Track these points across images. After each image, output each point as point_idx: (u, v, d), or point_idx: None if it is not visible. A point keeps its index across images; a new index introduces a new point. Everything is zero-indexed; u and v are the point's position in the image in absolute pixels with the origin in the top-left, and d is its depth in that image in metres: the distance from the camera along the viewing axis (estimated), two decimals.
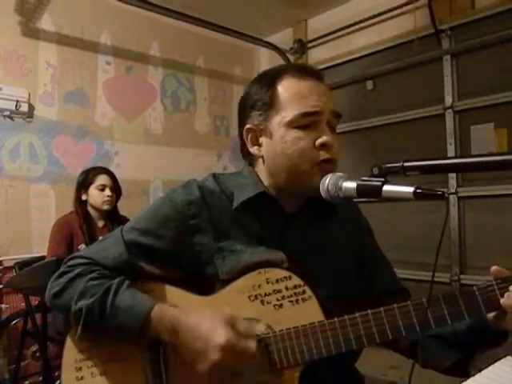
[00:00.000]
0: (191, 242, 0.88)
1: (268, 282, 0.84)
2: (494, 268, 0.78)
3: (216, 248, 0.88)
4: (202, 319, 0.76)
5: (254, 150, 0.94)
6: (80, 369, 0.84)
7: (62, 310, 0.87)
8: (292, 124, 0.86)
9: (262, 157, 0.93)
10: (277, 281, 0.84)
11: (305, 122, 0.86)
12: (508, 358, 0.90)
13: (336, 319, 0.80)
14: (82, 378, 0.84)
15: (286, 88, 0.89)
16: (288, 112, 0.87)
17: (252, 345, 0.74)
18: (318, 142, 0.86)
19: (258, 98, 0.91)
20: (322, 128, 0.87)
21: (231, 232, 0.89)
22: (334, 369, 0.85)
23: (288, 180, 0.89)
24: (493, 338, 0.82)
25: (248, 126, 0.93)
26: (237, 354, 0.72)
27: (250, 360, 0.74)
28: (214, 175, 0.96)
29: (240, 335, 0.74)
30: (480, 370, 0.86)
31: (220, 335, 0.72)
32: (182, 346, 0.77)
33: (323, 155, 0.86)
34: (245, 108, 0.95)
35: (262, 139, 0.92)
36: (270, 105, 0.89)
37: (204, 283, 0.88)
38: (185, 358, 0.77)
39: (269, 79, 0.91)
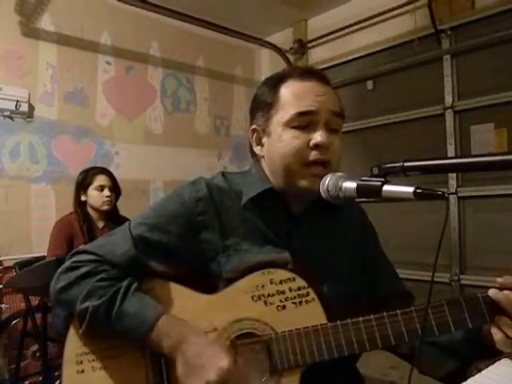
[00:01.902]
0: (198, 238, 0.89)
1: (272, 283, 0.84)
2: (499, 279, 0.78)
3: (222, 246, 0.88)
4: (212, 341, 0.79)
5: (257, 149, 0.96)
6: (81, 362, 0.84)
7: (66, 306, 0.86)
8: (289, 124, 0.87)
9: (264, 156, 0.94)
10: (280, 282, 0.84)
11: (302, 123, 0.87)
12: (508, 358, 0.90)
13: (339, 323, 0.80)
14: (82, 371, 0.84)
15: (287, 89, 0.90)
16: (286, 112, 0.88)
17: None
18: (312, 142, 0.86)
19: (263, 99, 0.93)
20: (318, 128, 0.87)
21: (238, 230, 0.90)
22: (334, 370, 0.85)
23: (284, 180, 0.90)
24: (488, 349, 0.81)
25: (253, 126, 0.96)
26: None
27: None
28: (223, 173, 0.97)
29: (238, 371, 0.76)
30: (480, 370, 0.86)
31: (224, 360, 0.75)
32: (181, 356, 0.77)
33: (314, 156, 0.86)
34: (252, 109, 0.97)
35: (264, 139, 0.93)
36: (272, 106, 0.91)
37: (208, 281, 0.88)
38: (176, 369, 0.77)
39: (274, 81, 0.93)
